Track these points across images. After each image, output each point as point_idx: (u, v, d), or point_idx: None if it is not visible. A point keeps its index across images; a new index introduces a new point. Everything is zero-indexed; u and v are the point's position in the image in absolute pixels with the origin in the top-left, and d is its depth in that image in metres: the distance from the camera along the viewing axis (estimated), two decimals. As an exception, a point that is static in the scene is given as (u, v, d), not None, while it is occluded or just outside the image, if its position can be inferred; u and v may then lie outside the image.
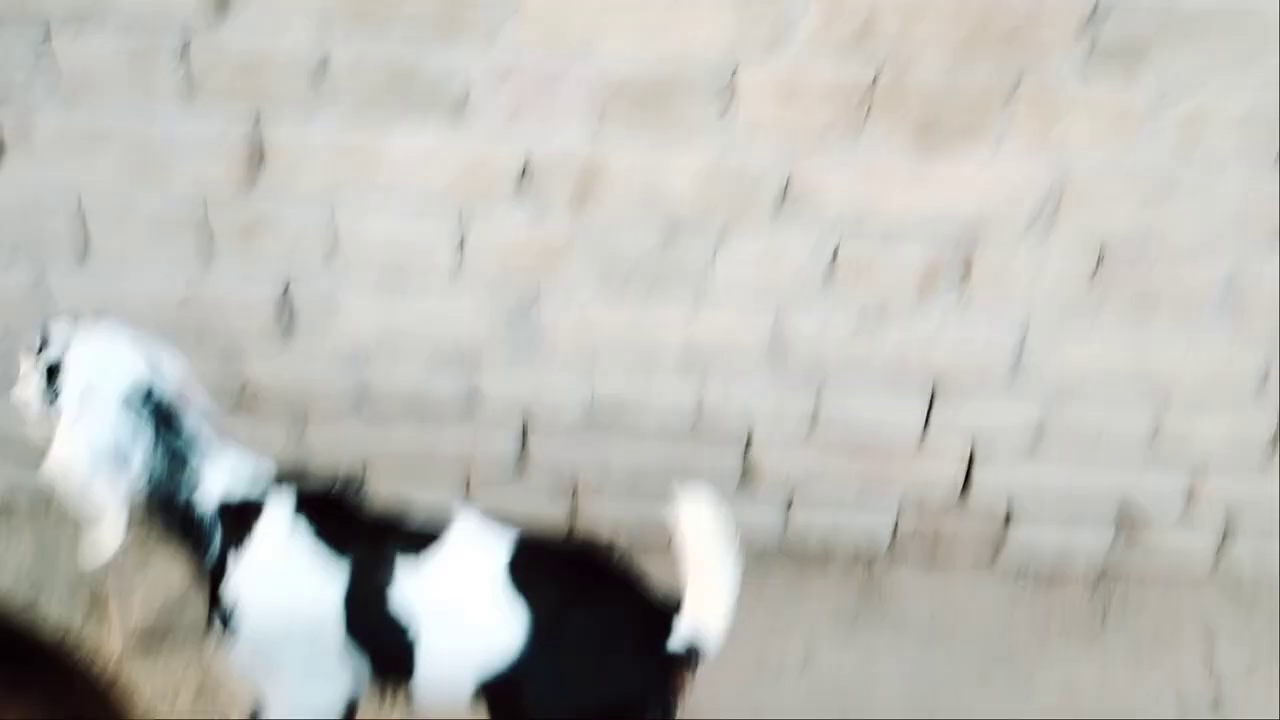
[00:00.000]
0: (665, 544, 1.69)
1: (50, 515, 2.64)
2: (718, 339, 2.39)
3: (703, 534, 1.65)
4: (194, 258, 2.30)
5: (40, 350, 1.72)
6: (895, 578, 2.74)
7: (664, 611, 1.68)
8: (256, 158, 2.18)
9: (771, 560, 2.74)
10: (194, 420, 1.76)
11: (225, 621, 1.75)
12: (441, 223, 2.25)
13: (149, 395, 1.72)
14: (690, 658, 1.69)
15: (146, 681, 2.33)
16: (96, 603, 2.48)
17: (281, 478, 1.78)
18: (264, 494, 1.75)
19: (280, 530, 1.73)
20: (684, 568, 1.67)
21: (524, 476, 2.58)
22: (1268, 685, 2.51)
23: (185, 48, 2.07)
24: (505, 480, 2.57)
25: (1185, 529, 2.62)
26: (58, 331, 1.74)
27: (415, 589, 1.70)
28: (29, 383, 1.72)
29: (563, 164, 2.18)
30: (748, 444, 2.55)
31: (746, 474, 2.60)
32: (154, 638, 2.43)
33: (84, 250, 2.30)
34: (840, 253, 2.27)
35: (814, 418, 2.48)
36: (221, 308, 2.35)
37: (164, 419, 1.72)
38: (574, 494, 2.62)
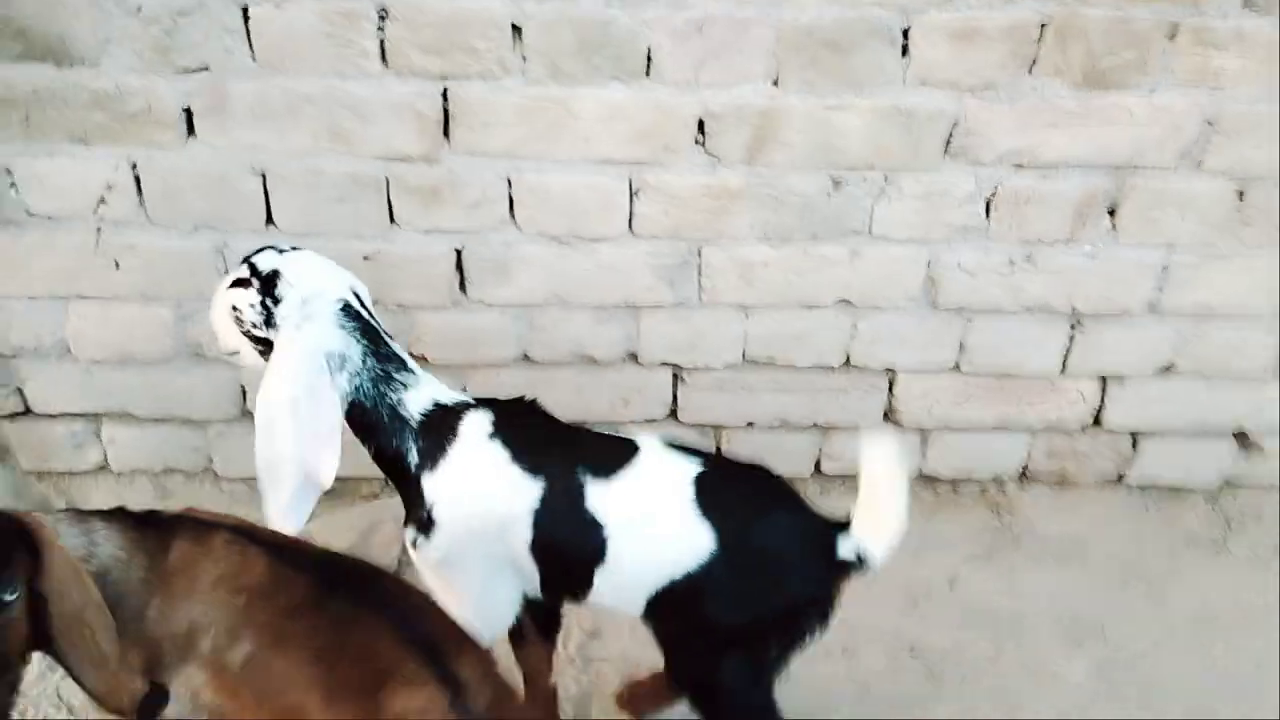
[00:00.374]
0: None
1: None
2: (873, 280, 2.49)
3: (885, 460, 1.77)
4: (375, 223, 2.36)
5: (251, 270, 1.81)
6: (1027, 501, 2.88)
7: (832, 526, 1.81)
8: (445, 119, 2.24)
9: (911, 491, 2.86)
10: (391, 339, 1.87)
11: (424, 523, 1.84)
12: (618, 177, 2.33)
13: (355, 310, 1.83)
14: (854, 568, 1.81)
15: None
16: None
17: (475, 400, 1.89)
18: (461, 410, 1.86)
19: (478, 442, 1.83)
20: (862, 490, 1.79)
21: (675, 419, 2.68)
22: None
23: (384, 12, 2.12)
24: (656, 424, 2.66)
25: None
26: (265, 254, 1.83)
27: (606, 504, 1.79)
28: (242, 296, 1.81)
29: (740, 115, 2.27)
30: (891, 383, 2.66)
31: (890, 412, 2.71)
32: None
33: (266, 218, 2.35)
34: (999, 192, 2.37)
35: (959, 352, 2.60)
36: (399, 268, 2.42)
37: (369, 333, 1.83)
38: (720, 435, 2.72)
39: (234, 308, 1.82)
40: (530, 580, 1.90)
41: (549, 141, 2.28)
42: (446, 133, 2.28)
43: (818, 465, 2.82)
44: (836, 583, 1.84)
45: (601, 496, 1.80)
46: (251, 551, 1.62)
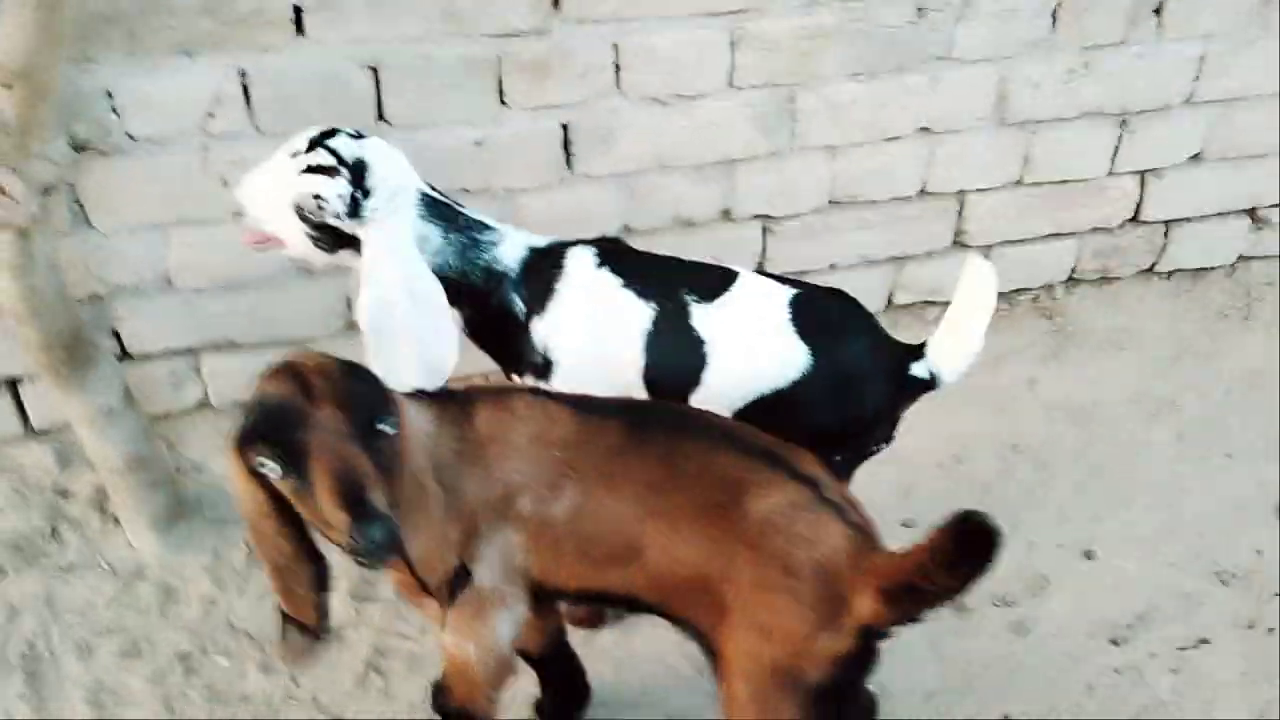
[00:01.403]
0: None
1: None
2: (950, 105, 2.63)
3: (975, 291, 1.90)
4: (485, 106, 2.35)
5: (336, 158, 1.76)
6: (1074, 302, 3.12)
7: (904, 348, 1.95)
8: (555, -10, 2.25)
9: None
10: (463, 207, 1.90)
11: (540, 368, 1.90)
12: (720, 29, 2.39)
13: (431, 196, 1.86)
14: (925, 386, 1.94)
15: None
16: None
17: (569, 241, 1.94)
18: (560, 250, 1.91)
19: (588, 273, 1.89)
20: (950, 311, 1.91)
21: (762, 263, 2.78)
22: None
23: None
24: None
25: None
26: (342, 140, 1.79)
27: (710, 324, 1.88)
28: (328, 185, 1.76)
29: (833, -48, 2.34)
30: (961, 205, 2.83)
31: (959, 234, 2.88)
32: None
33: (377, 114, 2.31)
34: (1063, 2, 2.53)
35: (1023, 166, 2.78)
36: (509, 150, 2.42)
37: (445, 211, 1.86)
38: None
39: (316, 196, 1.77)
40: None
41: (655, 1, 2.30)
42: (556, 3, 2.27)
43: (889, 299, 2.97)
44: (906, 400, 1.97)
45: (705, 318, 1.88)
46: (554, 408, 1.66)
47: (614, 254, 1.94)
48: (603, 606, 2.19)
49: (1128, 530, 2.53)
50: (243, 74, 2.20)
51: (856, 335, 1.93)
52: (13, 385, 2.47)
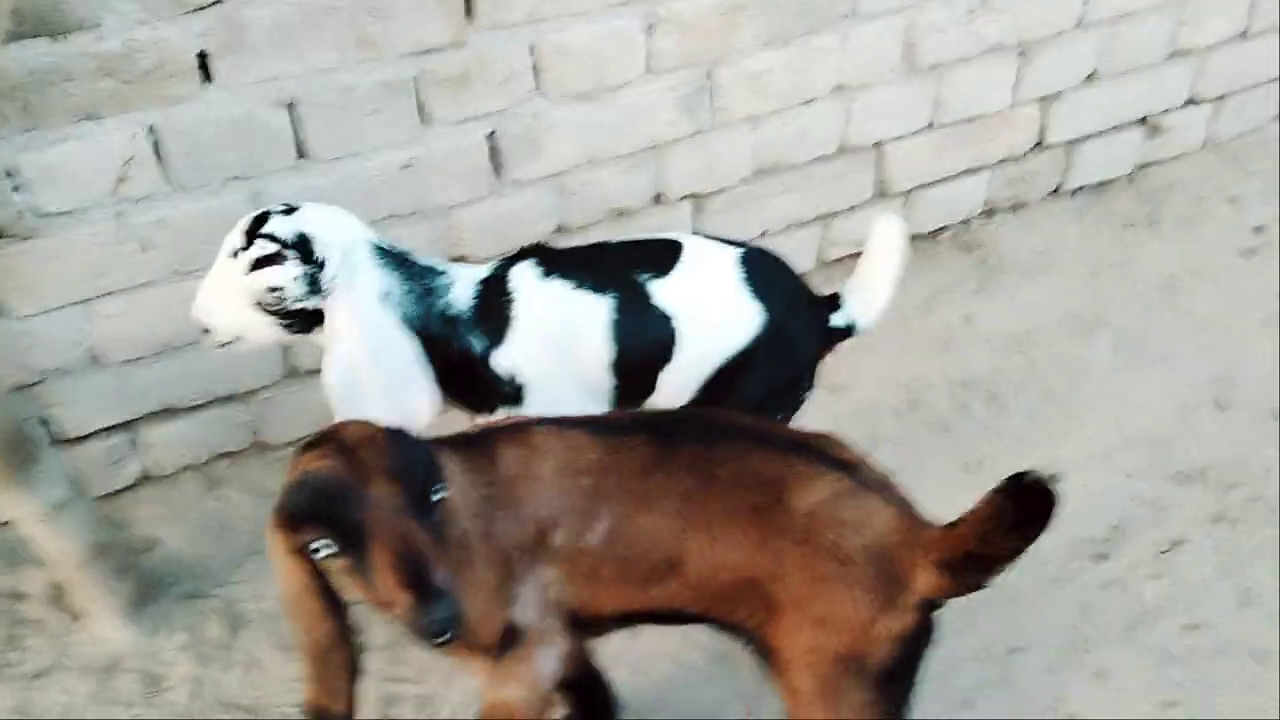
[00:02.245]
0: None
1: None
2: (861, 60, 2.65)
3: (885, 245, 1.97)
4: (408, 127, 2.27)
5: (278, 243, 1.70)
6: (992, 231, 3.20)
7: (824, 300, 2.02)
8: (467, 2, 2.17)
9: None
10: (412, 254, 1.85)
11: (511, 397, 1.88)
12: (635, 17, 2.34)
13: (380, 246, 1.80)
14: (845, 335, 2.03)
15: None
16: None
17: (500, 262, 1.90)
18: (501, 273, 1.88)
19: (537, 287, 1.86)
20: (862, 264, 2.01)
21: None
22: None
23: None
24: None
25: (1190, 120, 3.21)
26: (275, 221, 1.72)
27: (674, 297, 1.88)
28: (281, 273, 1.70)
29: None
30: (880, 156, 2.86)
31: (880, 183, 2.92)
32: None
33: (297, 153, 2.20)
34: (959, -53, 2.57)
35: (934, 109, 2.82)
36: (437, 169, 2.34)
37: (397, 259, 1.81)
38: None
39: (271, 289, 1.71)
40: (601, 401, 1.96)
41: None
42: (469, 13, 2.19)
43: (820, 257, 2.99)
44: (827, 349, 2.05)
45: (667, 292, 1.88)
46: (573, 434, 1.62)
47: (554, 260, 1.90)
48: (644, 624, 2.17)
49: (1085, 448, 2.62)
50: (151, 129, 2.06)
51: (790, 291, 1.97)
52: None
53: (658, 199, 2.64)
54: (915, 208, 3.03)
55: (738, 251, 1.94)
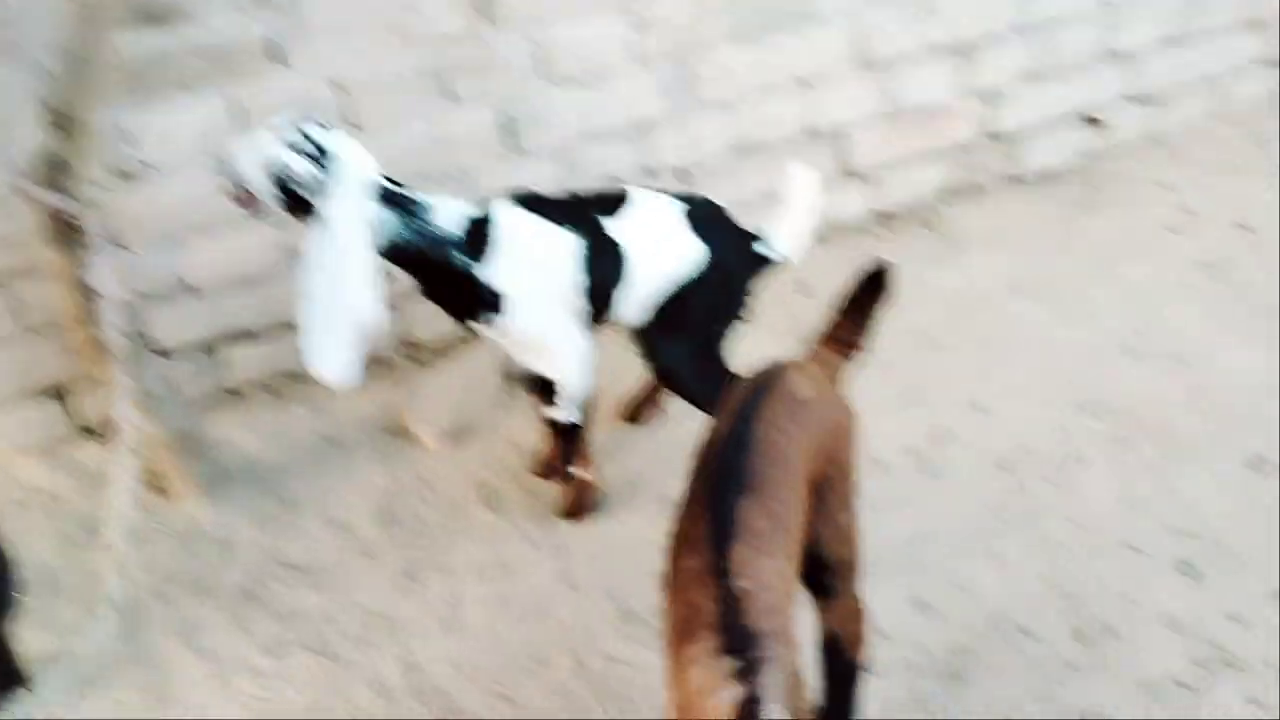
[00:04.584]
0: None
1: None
2: (818, 58, 3.16)
3: (800, 189, 2.49)
4: (438, 104, 2.84)
5: (311, 142, 2.18)
6: (952, 213, 3.66)
7: (758, 237, 2.51)
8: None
9: (866, 230, 3.60)
10: (411, 189, 2.33)
11: (491, 303, 2.35)
12: (621, 18, 2.90)
13: (383, 184, 2.28)
14: (774, 265, 2.52)
15: (476, 463, 2.98)
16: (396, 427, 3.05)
17: (485, 199, 2.39)
18: (484, 208, 2.37)
19: (514, 216, 2.36)
20: (783, 206, 2.50)
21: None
22: (1227, 197, 3.62)
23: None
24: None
25: (1131, 116, 3.66)
26: (314, 128, 2.21)
27: (623, 234, 2.39)
28: (300, 164, 2.17)
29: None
30: (842, 141, 3.36)
31: (845, 167, 3.41)
32: (459, 433, 3.04)
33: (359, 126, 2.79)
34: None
35: (888, 101, 3.32)
36: (459, 142, 2.91)
37: (395, 196, 2.28)
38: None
39: (289, 170, 2.19)
40: (575, 317, 2.45)
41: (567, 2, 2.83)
42: (489, 12, 2.78)
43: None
44: (760, 278, 2.54)
45: (618, 230, 2.39)
46: None
47: (529, 200, 2.42)
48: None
49: (1010, 384, 3.06)
50: (235, 102, 2.67)
51: (727, 229, 2.49)
52: (58, 393, 2.91)
53: (648, 170, 3.18)
54: (879, 189, 3.52)
55: (680, 199, 2.46)
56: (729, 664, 1.50)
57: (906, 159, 3.48)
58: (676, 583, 1.68)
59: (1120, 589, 2.54)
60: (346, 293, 2.22)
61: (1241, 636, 2.42)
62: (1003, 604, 2.52)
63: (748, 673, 1.49)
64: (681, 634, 1.61)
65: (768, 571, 1.65)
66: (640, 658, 2.47)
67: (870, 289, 1.95)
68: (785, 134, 3.27)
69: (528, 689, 2.43)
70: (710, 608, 1.57)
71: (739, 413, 1.79)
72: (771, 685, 1.48)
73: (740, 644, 1.53)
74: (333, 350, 2.26)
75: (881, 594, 2.54)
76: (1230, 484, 2.74)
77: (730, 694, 1.48)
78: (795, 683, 1.56)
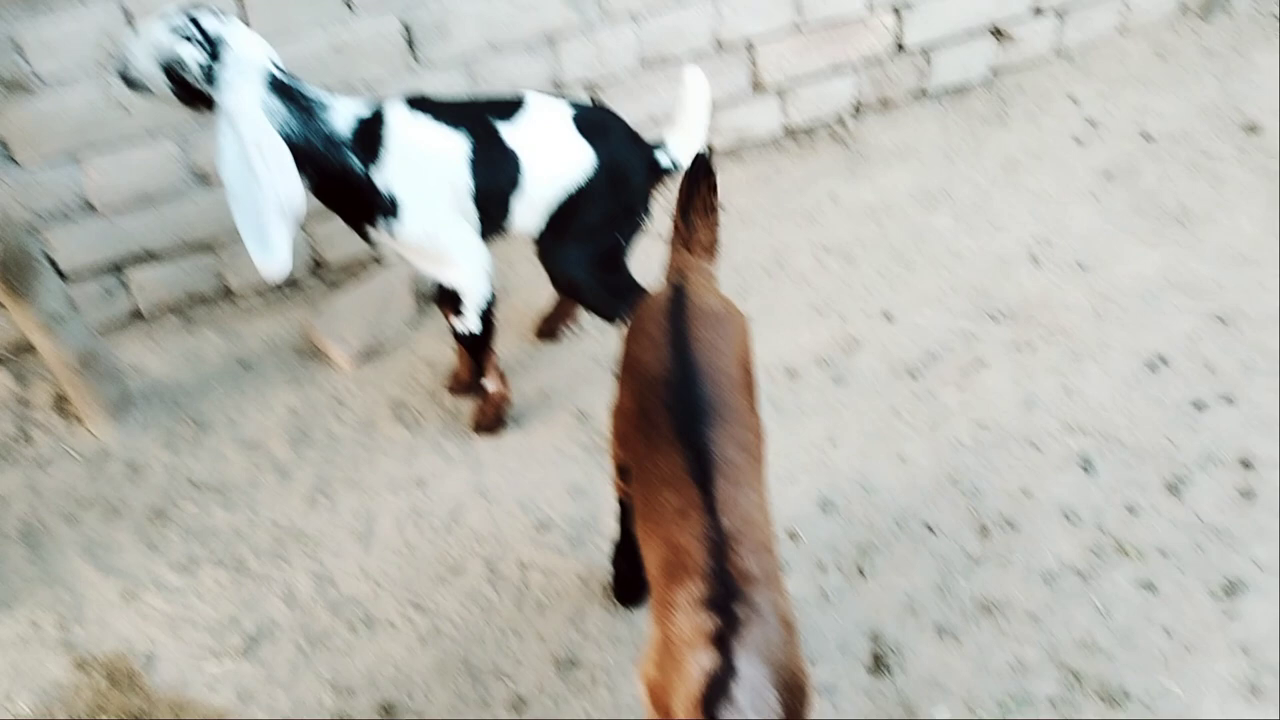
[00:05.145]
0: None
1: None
2: (727, -34, 3.15)
3: (693, 94, 2.48)
4: (335, 14, 2.79)
5: (200, 32, 2.15)
6: (863, 128, 3.68)
7: (652, 145, 2.52)
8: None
9: (778, 146, 3.61)
10: (307, 85, 2.31)
11: (388, 208, 2.35)
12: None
13: (277, 75, 2.25)
14: (669, 172, 2.54)
15: (389, 381, 2.97)
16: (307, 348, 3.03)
17: (380, 100, 2.37)
18: (377, 109, 2.35)
19: (405, 118, 2.34)
20: (678, 114, 2.51)
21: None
22: (1130, 108, 3.68)
23: None
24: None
25: (1038, 30, 3.69)
26: (207, 18, 2.17)
27: (517, 139, 2.39)
28: (191, 52, 2.15)
29: None
30: (752, 54, 3.36)
31: (754, 81, 3.42)
32: (371, 352, 3.02)
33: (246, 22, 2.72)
34: None
35: (797, 14, 3.32)
36: (360, 52, 2.86)
37: (288, 89, 2.26)
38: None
39: (179, 59, 2.15)
40: (471, 223, 2.45)
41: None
42: (383, -80, 2.72)
43: (709, 148, 3.50)
44: (656, 183, 2.57)
45: (512, 135, 2.39)
46: None
47: (422, 102, 2.39)
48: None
49: (918, 293, 3.12)
50: (124, 10, 2.59)
51: (620, 136, 2.49)
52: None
53: (556, 83, 3.15)
54: (790, 104, 3.53)
55: (571, 106, 2.45)
56: (710, 621, 1.52)
57: (816, 73, 3.49)
58: (656, 518, 1.68)
59: (1020, 484, 2.62)
60: (265, 180, 2.19)
61: (1135, 525, 2.51)
62: (907, 502, 2.60)
63: (726, 636, 1.50)
64: (669, 575, 1.62)
65: (748, 504, 1.67)
66: (553, 564, 2.50)
67: (702, 185, 1.97)
68: (694, 47, 3.26)
69: (441, 597, 2.46)
70: (698, 550, 1.58)
71: (670, 336, 1.80)
72: (746, 659, 1.49)
73: (726, 594, 1.54)
74: (271, 241, 2.23)
75: (790, 496, 2.61)
76: (1128, 383, 2.83)
77: (704, 662, 1.50)
78: (783, 631, 1.58)
